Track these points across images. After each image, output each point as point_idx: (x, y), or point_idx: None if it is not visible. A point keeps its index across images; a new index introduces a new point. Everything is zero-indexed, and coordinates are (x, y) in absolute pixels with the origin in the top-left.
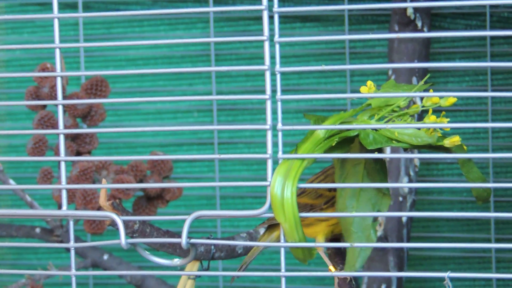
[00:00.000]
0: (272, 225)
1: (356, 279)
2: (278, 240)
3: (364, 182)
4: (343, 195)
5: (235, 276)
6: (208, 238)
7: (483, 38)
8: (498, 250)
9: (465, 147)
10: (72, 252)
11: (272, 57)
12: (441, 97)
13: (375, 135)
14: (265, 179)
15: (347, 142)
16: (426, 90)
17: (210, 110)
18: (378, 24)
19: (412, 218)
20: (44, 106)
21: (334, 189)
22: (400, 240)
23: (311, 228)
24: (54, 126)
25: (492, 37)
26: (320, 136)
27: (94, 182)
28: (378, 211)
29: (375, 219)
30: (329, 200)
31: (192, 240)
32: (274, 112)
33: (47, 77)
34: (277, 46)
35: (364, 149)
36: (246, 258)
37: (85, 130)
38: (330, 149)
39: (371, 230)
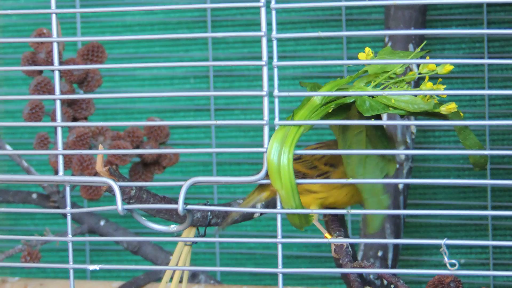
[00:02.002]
0: (263, 185)
1: (353, 246)
2: (266, 200)
3: (367, 149)
4: (351, 163)
5: (221, 227)
6: (205, 204)
7: (480, 5)
8: (494, 218)
9: (461, 114)
10: (69, 218)
11: (269, 23)
12: (437, 64)
13: (371, 102)
14: (261, 146)
15: (343, 109)
16: (423, 57)
17: (206, 76)
18: None
19: (409, 185)
20: (41, 72)
21: (330, 164)
22: (397, 207)
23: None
24: (51, 91)
25: (489, 4)
26: (317, 103)
27: (90, 148)
28: (387, 174)
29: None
30: (323, 173)
31: (189, 206)
32: (271, 78)
33: (44, 42)
34: (273, 13)
35: (363, 117)
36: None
37: (81, 96)
38: (327, 116)
39: (381, 194)
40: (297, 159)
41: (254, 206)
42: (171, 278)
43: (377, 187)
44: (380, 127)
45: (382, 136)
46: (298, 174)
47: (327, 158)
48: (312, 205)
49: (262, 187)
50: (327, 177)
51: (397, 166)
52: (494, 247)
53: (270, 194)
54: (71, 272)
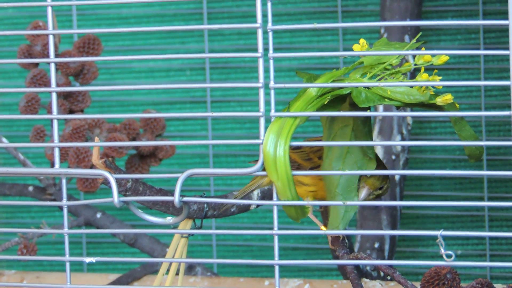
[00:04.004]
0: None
1: (349, 238)
2: (269, 185)
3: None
4: (330, 156)
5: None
6: (201, 196)
7: None
8: (491, 209)
9: (457, 105)
10: (65, 211)
11: (264, 15)
12: (433, 55)
13: (367, 93)
14: (257, 137)
15: (339, 100)
16: (418, 48)
17: (202, 68)
18: None
19: (405, 177)
20: (37, 64)
21: (322, 157)
22: (393, 198)
23: None
24: (47, 84)
25: None
26: (313, 94)
27: (86, 140)
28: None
29: (359, 182)
30: (316, 166)
31: (185, 199)
32: (267, 70)
33: (40, 35)
34: (269, 4)
35: (353, 110)
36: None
37: (77, 88)
38: (323, 107)
39: (354, 192)
40: (296, 148)
41: (251, 196)
42: (168, 270)
43: (352, 185)
44: (368, 124)
45: (367, 133)
46: (294, 164)
47: (321, 152)
48: (305, 198)
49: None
50: (318, 170)
51: (381, 163)
52: (491, 238)
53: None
54: (68, 264)
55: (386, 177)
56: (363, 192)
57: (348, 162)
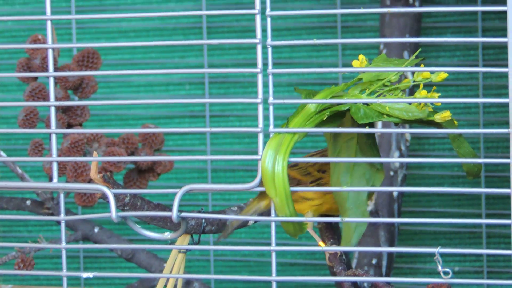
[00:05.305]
0: (263, 193)
1: (347, 254)
2: (266, 209)
3: (357, 157)
4: (337, 171)
5: (221, 238)
6: (199, 211)
7: (475, 13)
8: (488, 226)
9: (455, 122)
10: (63, 225)
11: (264, 30)
12: (432, 72)
13: (366, 109)
14: (256, 153)
15: (338, 116)
16: (417, 65)
17: (202, 82)
18: None
19: (403, 193)
20: (36, 78)
21: (323, 171)
22: (391, 215)
23: (295, 205)
24: (45, 98)
25: (484, 12)
26: (311, 110)
27: (85, 155)
28: (373, 185)
29: (369, 195)
30: (316, 180)
31: (183, 214)
32: (266, 85)
33: (39, 48)
34: (268, 20)
35: (356, 124)
36: (234, 222)
37: (76, 102)
38: (321, 123)
39: (365, 205)
40: (294, 165)
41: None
42: (165, 285)
43: (362, 198)
44: (372, 136)
45: (372, 145)
46: (293, 181)
47: (319, 165)
48: (308, 212)
49: (262, 195)
50: (319, 183)
51: (384, 176)
52: (488, 255)
53: (270, 203)
54: (65, 279)
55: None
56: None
57: (356, 175)
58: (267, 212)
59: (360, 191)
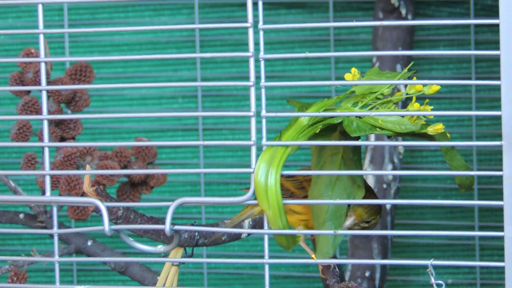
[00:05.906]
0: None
1: (340, 266)
2: (260, 215)
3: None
4: (318, 183)
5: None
6: (192, 224)
7: (467, 26)
8: (481, 238)
9: (448, 135)
10: (56, 238)
11: (257, 43)
12: (424, 85)
13: (359, 122)
14: (249, 165)
15: (330, 129)
16: (410, 78)
17: (195, 96)
18: (363, 11)
19: (396, 205)
20: (28, 92)
21: None
22: (384, 227)
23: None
24: (38, 111)
25: (476, 25)
26: (304, 123)
27: (78, 168)
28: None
29: (348, 208)
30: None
31: (176, 227)
32: (259, 98)
33: (32, 62)
34: (261, 33)
35: (344, 138)
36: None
37: (69, 116)
38: (314, 136)
39: (343, 218)
40: (290, 177)
41: (242, 225)
42: None
43: (341, 211)
44: (358, 152)
45: (357, 162)
46: (287, 192)
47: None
48: (297, 226)
49: None
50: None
51: (371, 191)
52: (482, 267)
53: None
54: None
55: (376, 212)
56: (349, 221)
57: (337, 190)
58: (260, 225)
59: (340, 205)
